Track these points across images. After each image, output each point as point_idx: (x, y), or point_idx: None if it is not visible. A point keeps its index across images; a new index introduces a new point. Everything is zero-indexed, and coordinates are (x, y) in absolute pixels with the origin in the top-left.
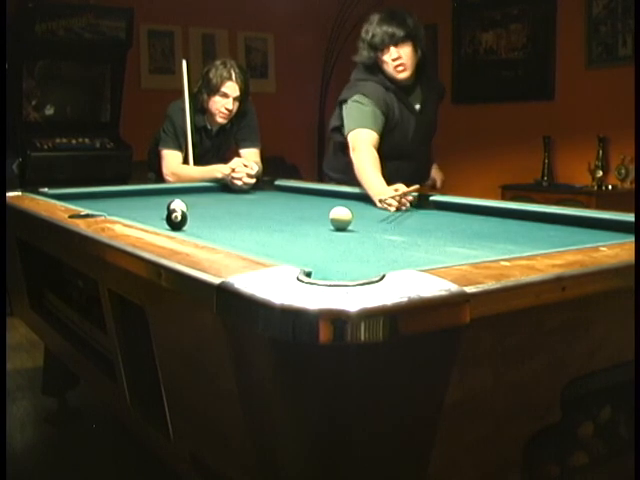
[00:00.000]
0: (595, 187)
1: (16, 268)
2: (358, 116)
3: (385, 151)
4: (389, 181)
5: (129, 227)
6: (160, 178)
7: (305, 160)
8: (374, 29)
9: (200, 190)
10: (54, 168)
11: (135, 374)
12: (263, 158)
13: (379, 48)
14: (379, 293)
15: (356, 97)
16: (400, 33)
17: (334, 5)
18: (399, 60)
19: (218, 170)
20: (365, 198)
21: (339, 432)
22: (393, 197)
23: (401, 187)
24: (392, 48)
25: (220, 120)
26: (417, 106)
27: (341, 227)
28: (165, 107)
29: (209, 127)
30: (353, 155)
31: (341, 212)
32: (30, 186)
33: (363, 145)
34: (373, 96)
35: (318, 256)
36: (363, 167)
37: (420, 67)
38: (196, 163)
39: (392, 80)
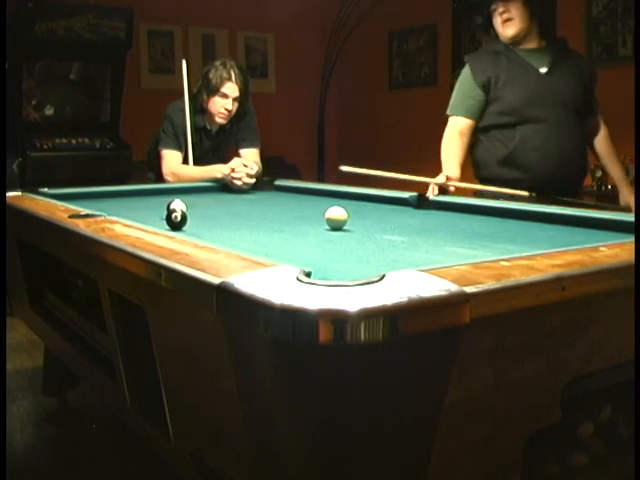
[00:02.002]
0: (595, 187)
1: (16, 268)
2: (453, 97)
3: (501, 112)
4: (515, 150)
5: (129, 227)
6: (160, 178)
7: (305, 160)
8: None
9: (200, 190)
10: (54, 168)
11: (135, 374)
12: (263, 158)
13: (491, 5)
14: (379, 293)
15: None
16: None
17: (334, 5)
18: (506, 14)
19: (218, 170)
20: (365, 198)
21: (339, 432)
22: None
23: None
24: (499, 2)
25: (219, 120)
26: (543, 69)
27: (337, 227)
28: (165, 107)
29: (209, 127)
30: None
31: (336, 212)
32: (30, 186)
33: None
34: (474, 64)
35: (318, 256)
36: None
37: (541, 29)
38: (196, 163)
39: (507, 44)
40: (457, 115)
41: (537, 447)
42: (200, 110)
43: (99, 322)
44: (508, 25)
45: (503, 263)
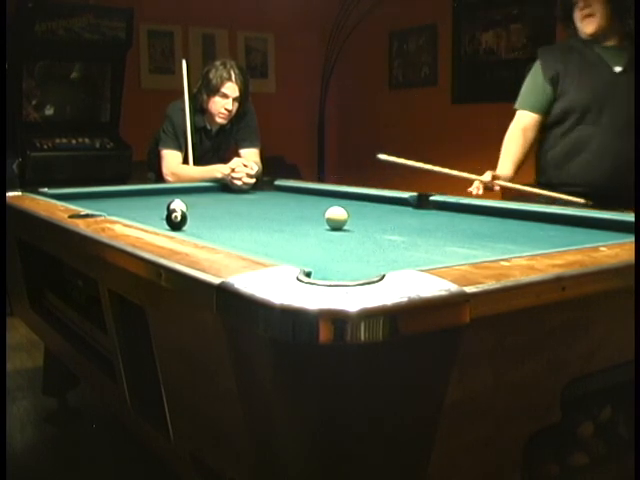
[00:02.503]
0: None
1: (16, 268)
2: (522, 90)
3: (564, 110)
4: (571, 151)
5: (129, 227)
6: (160, 178)
7: (305, 160)
8: None
9: (200, 190)
10: (54, 168)
11: (135, 374)
12: (263, 158)
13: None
14: (379, 293)
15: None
16: None
17: (334, 5)
18: (587, 10)
19: (218, 170)
20: (365, 198)
21: (339, 432)
22: None
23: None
24: None
25: (219, 121)
26: (618, 68)
27: (337, 227)
28: (165, 107)
29: (209, 127)
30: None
31: (336, 212)
32: (30, 186)
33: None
34: (545, 57)
35: (318, 256)
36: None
37: (623, 27)
38: (196, 163)
39: (584, 40)
40: (522, 109)
41: (537, 447)
42: (200, 110)
43: (99, 322)
44: (589, 21)
45: (503, 263)
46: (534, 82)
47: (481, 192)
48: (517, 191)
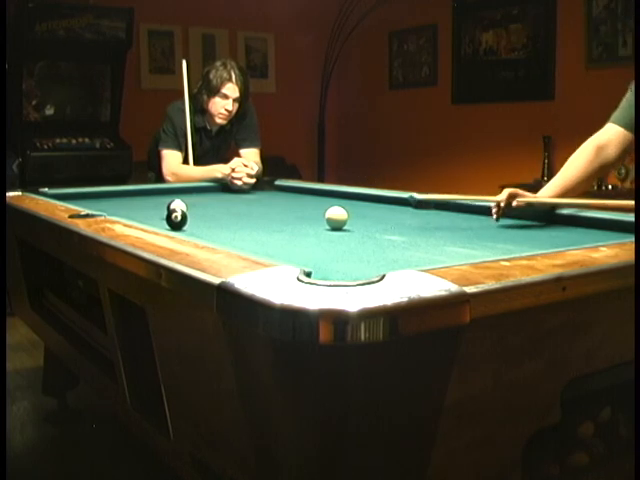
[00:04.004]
0: (595, 187)
1: (16, 268)
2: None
3: None
4: None
5: (129, 227)
6: (160, 178)
7: (305, 160)
8: None
9: (200, 190)
10: (54, 168)
11: (135, 374)
12: (263, 158)
13: None
14: (379, 293)
15: None
16: None
17: (334, 5)
18: None
19: (218, 170)
20: (365, 198)
21: (339, 432)
22: None
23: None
24: None
25: (219, 121)
26: None
27: (337, 226)
28: (165, 107)
29: (209, 127)
30: None
31: (336, 211)
32: (30, 186)
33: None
34: None
35: (318, 256)
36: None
37: None
38: (196, 163)
39: None
40: (610, 122)
41: (537, 447)
42: (200, 110)
43: (99, 322)
44: None
45: (503, 263)
46: (630, 95)
47: (497, 215)
48: (547, 205)
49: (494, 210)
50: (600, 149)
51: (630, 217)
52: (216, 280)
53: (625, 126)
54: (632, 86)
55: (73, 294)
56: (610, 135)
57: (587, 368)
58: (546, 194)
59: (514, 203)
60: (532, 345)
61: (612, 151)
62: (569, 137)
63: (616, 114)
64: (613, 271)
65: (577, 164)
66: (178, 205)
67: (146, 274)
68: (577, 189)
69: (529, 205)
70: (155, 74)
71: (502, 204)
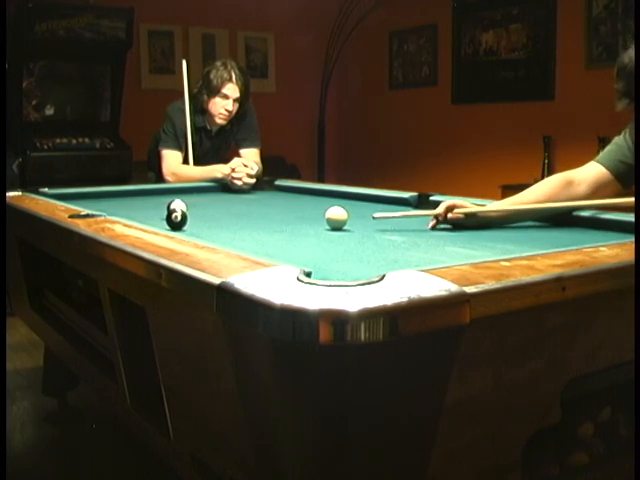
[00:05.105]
0: None
1: (16, 268)
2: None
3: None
4: None
5: (129, 227)
6: (160, 178)
7: (305, 160)
8: None
9: (200, 190)
10: (54, 168)
11: (135, 374)
12: (263, 158)
13: None
14: (379, 293)
15: None
16: None
17: (334, 5)
18: None
19: (218, 170)
20: (365, 198)
21: (339, 432)
22: None
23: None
24: None
25: (219, 121)
26: None
27: (337, 226)
28: (165, 107)
29: (209, 128)
30: None
31: (336, 211)
32: (30, 186)
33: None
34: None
35: (318, 256)
36: None
37: None
38: (196, 163)
39: None
40: (594, 160)
41: (537, 447)
42: (200, 110)
43: (99, 322)
44: None
45: (503, 263)
46: (621, 139)
47: (433, 225)
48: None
49: (431, 223)
50: (569, 184)
51: (630, 217)
52: (216, 280)
53: (608, 167)
54: (627, 131)
55: (73, 294)
56: (588, 174)
57: (587, 368)
58: (491, 206)
59: (449, 215)
60: (532, 345)
61: (582, 189)
62: (569, 137)
63: (602, 154)
64: (613, 271)
65: (540, 190)
66: (178, 205)
67: (146, 274)
68: (530, 213)
69: (467, 216)
70: (155, 74)
71: (440, 218)
